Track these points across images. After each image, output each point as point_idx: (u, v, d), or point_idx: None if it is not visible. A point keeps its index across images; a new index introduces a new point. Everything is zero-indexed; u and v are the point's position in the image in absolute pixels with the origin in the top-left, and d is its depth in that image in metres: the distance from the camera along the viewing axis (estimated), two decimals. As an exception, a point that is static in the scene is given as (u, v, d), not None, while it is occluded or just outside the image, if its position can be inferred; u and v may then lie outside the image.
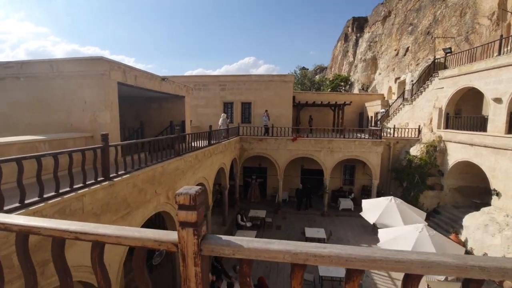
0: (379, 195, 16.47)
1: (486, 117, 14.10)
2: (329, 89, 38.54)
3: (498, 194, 11.95)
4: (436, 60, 18.12)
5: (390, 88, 26.26)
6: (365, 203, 12.56)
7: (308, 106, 23.13)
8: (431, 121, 16.63)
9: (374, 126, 21.22)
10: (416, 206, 13.25)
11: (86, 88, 7.27)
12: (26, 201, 3.42)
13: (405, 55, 23.58)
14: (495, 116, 12.42)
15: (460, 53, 16.39)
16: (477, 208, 13.41)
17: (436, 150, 15.34)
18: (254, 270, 10.49)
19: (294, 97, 21.02)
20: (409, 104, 18.97)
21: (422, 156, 15.46)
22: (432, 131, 16.40)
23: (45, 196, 3.65)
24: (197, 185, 9.80)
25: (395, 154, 17.33)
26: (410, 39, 23.30)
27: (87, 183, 4.37)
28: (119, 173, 5.18)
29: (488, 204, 12.69)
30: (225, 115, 15.47)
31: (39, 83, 7.50)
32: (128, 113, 11.77)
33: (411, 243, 8.43)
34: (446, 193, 15.36)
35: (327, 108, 24.59)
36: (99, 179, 4.64)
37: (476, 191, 15.02)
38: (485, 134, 12.68)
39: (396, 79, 24.69)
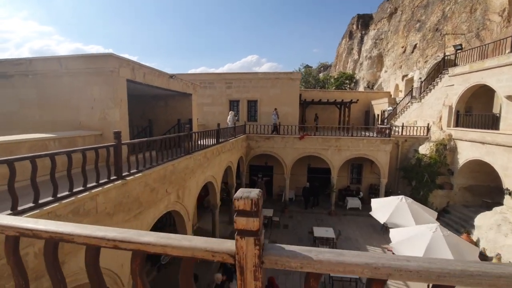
0: (387, 194, 16.26)
1: (497, 115, 13.83)
2: (334, 87, 38.23)
3: (511, 194, 11.70)
4: (446, 57, 17.79)
5: (397, 85, 25.93)
6: (375, 202, 12.36)
7: (313, 104, 22.92)
8: (440, 119, 16.36)
9: (381, 124, 20.95)
10: (426, 206, 13.03)
11: (95, 85, 7.15)
12: (40, 201, 3.31)
13: (412, 52, 23.23)
14: (508, 114, 12.15)
15: (471, 50, 16.07)
16: (488, 207, 13.18)
17: (446, 149, 15.07)
18: (267, 271, 10.36)
19: (300, 95, 20.81)
20: (418, 101, 18.68)
21: (432, 155, 15.21)
22: (441, 129, 16.13)
23: (59, 195, 3.54)
24: (206, 184, 9.69)
25: (403, 153, 17.08)
26: (417, 36, 22.94)
27: (100, 182, 4.26)
28: (132, 171, 5.06)
29: (500, 203, 12.45)
30: (233, 112, 15.32)
31: (47, 81, 7.40)
32: (134, 111, 11.67)
33: (424, 243, 8.25)
34: (456, 192, 15.11)
35: (332, 106, 24.36)
36: (112, 178, 4.53)
37: (487, 190, 14.77)
38: (498, 132, 12.40)
39: (404, 76, 24.35)
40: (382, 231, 14.02)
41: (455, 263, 0.92)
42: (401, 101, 21.03)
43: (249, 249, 0.97)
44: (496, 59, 12.78)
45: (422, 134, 17.05)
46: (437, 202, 15.08)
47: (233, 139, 13.12)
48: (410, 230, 9.32)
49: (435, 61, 19.48)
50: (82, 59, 7.14)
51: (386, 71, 30.55)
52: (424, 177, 15.08)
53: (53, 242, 1.20)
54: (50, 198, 3.43)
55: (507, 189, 11.84)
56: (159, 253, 1.07)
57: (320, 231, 12.30)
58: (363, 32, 41.87)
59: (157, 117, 12.12)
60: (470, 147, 13.87)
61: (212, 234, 11.58)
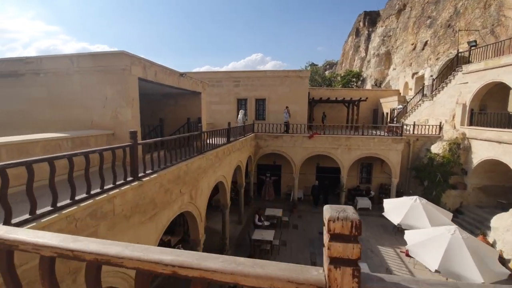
0: (398, 194, 15.99)
1: (514, 113, 13.45)
2: (340, 85, 37.81)
3: (529, 195, 11.35)
4: (459, 54, 17.36)
5: (406, 83, 25.48)
6: (387, 203, 12.10)
7: (321, 103, 22.63)
8: (453, 117, 15.97)
9: (391, 123, 20.60)
10: (438, 206, 12.74)
11: (106, 84, 7.03)
12: (58, 204, 3.17)
13: (423, 49, 22.76)
14: (526, 112, 11.77)
15: (485, 47, 15.64)
16: (503, 208, 12.83)
17: (460, 148, 14.71)
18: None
19: (308, 94, 20.53)
20: (429, 100, 18.28)
21: (445, 154, 14.87)
22: (454, 128, 15.76)
23: (76, 198, 3.40)
24: (217, 183, 9.54)
25: (414, 152, 16.74)
26: (428, 32, 22.46)
27: (116, 183, 4.12)
28: (147, 172, 4.92)
29: (517, 204, 12.10)
30: (243, 111, 15.17)
31: (58, 79, 7.30)
32: (144, 110, 11.54)
33: (443, 246, 7.99)
34: (469, 192, 14.77)
35: (340, 104, 24.05)
36: (128, 179, 4.39)
37: (502, 190, 14.40)
38: (516, 131, 12.04)
39: (414, 74, 23.89)
40: (393, 232, 13.76)
41: None
42: (411, 99, 20.62)
43: (345, 281, 0.79)
44: (514, 56, 12.40)
45: (434, 133, 16.69)
46: (450, 203, 14.75)
47: (242, 138, 12.96)
48: (427, 232, 9.06)
49: (448, 58, 19.03)
50: (93, 57, 7.02)
51: (394, 69, 30.06)
52: (437, 177, 14.76)
53: (96, 265, 1.03)
54: (68, 201, 3.29)
55: (525, 190, 11.50)
56: (229, 282, 0.89)
57: (331, 232, 12.07)
58: (370, 29, 41.31)
59: (166, 116, 11.98)
60: (486, 146, 13.50)
61: (222, 234, 11.45)
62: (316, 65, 55.60)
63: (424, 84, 20.64)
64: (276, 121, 17.41)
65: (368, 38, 41.10)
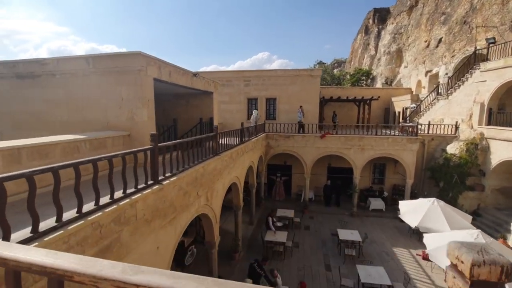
0: (412, 195, 15.64)
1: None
2: (350, 84, 37.30)
3: (553, 197, 10.91)
4: (477, 51, 16.83)
5: (419, 81, 24.92)
6: (403, 204, 11.81)
7: (332, 102, 22.31)
8: (470, 116, 15.51)
9: (404, 122, 20.17)
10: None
11: (123, 85, 6.98)
12: (84, 210, 3.09)
13: (437, 46, 22.18)
14: (550, 111, 11.31)
15: (504, 44, 15.11)
16: (524, 211, 12.41)
17: (478, 148, 14.27)
18: (291, 274, 10.02)
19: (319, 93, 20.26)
20: (445, 98, 17.80)
21: (462, 154, 14.45)
22: (472, 127, 15.30)
23: (101, 204, 3.32)
24: (231, 184, 9.43)
25: (429, 152, 16.33)
26: (443, 29, 21.88)
27: (138, 187, 4.04)
28: (166, 175, 4.84)
29: (539, 207, 11.66)
30: (257, 111, 15.05)
31: (75, 80, 7.29)
32: (156, 111, 11.55)
33: (465, 250, 7.72)
34: (487, 194, 14.32)
35: (350, 103, 23.69)
36: (149, 182, 4.30)
37: (522, 192, 13.93)
38: (538, 131, 11.59)
39: (427, 72, 23.33)
40: (409, 234, 13.45)
41: None
42: (425, 98, 20.12)
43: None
44: (536, 53, 11.92)
45: (449, 132, 16.25)
46: (467, 205, 14.33)
47: (254, 138, 12.83)
48: (447, 235, 8.77)
49: (464, 56, 18.50)
50: (109, 58, 6.98)
51: (406, 67, 29.47)
52: (453, 178, 14.36)
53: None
54: (93, 207, 3.21)
55: (548, 192, 11.07)
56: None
57: (345, 234, 11.87)
58: (380, 26, 40.66)
59: (179, 116, 11.93)
60: (506, 146, 13.04)
61: (235, 235, 11.36)
62: (324, 63, 55.09)
63: (438, 82, 20.14)
64: (287, 121, 17.21)
65: (378, 36, 40.46)
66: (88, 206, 3.21)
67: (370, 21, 43.78)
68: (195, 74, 9.81)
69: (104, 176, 3.65)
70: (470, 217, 10.96)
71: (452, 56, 19.99)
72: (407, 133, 15.71)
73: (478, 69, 15.31)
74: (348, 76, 41.46)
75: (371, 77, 38.54)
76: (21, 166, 4.49)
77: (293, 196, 18.78)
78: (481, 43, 17.40)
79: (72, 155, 5.45)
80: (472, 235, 8.09)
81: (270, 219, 11.95)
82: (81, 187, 3.11)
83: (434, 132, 16.51)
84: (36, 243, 2.47)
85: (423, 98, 20.67)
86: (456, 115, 16.69)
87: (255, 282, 8.45)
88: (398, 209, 14.90)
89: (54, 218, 2.81)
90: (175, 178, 4.96)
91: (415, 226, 10.36)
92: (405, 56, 29.88)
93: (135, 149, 3.97)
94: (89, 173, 3.71)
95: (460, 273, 0.65)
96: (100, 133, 6.41)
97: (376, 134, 15.42)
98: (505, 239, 11.41)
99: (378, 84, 35.36)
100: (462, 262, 0.65)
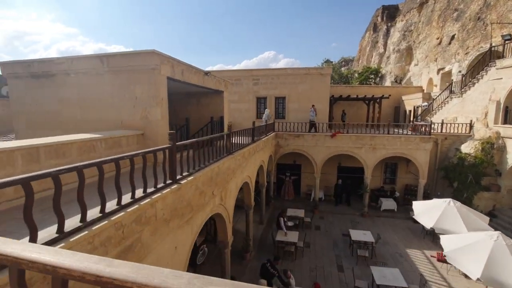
0: (425, 195, 15.34)
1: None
2: (358, 82, 36.87)
3: None
4: (492, 48, 16.39)
5: (430, 79, 24.44)
6: (417, 205, 11.57)
7: (341, 100, 22.04)
8: (486, 115, 15.12)
9: (415, 121, 19.80)
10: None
11: (136, 84, 6.96)
12: (107, 210, 3.04)
13: (450, 43, 21.70)
14: None
15: (522, 40, 14.68)
16: (542, 212, 12.03)
17: (494, 148, 13.90)
18: (303, 275, 9.90)
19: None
20: (458, 96, 17.40)
21: (477, 154, 14.09)
22: (487, 126, 14.91)
23: (123, 203, 3.27)
24: (243, 184, 9.36)
25: (443, 152, 15.99)
26: (455, 26, 21.39)
27: (158, 187, 3.98)
28: (184, 174, 4.77)
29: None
30: (269, 110, 14.98)
31: (89, 79, 7.29)
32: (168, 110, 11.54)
33: (485, 253, 7.49)
34: (503, 194, 13.94)
35: (359, 102, 23.37)
36: (167, 182, 4.24)
37: (540, 193, 13.52)
38: (559, 130, 11.21)
39: (439, 70, 22.86)
40: (422, 235, 13.18)
41: None
42: (437, 96, 19.71)
43: None
44: (557, 49, 11.52)
45: (463, 131, 15.88)
46: (482, 205, 13.98)
47: (265, 138, 12.73)
48: (466, 237, 8.55)
49: (478, 53, 18.05)
50: (124, 57, 6.95)
51: (416, 65, 28.96)
52: (468, 178, 14.01)
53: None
54: (115, 207, 3.16)
55: None
56: None
57: (357, 234, 11.69)
58: (389, 24, 40.08)
59: (189, 115, 11.91)
60: (524, 146, 12.68)
61: (246, 235, 11.29)
62: (332, 62, 54.58)
63: (452, 80, 19.71)
64: (296, 120, 17.06)
65: (387, 33, 39.88)
66: (108, 206, 3.15)
67: (379, 18, 43.20)
68: (206, 73, 9.75)
69: (122, 175, 3.59)
70: (487, 218, 10.68)
71: (466, 53, 19.52)
72: (419, 132, 15.40)
73: (494, 66, 14.91)
74: (356, 75, 40.99)
75: (379, 75, 38.02)
76: (39, 165, 4.48)
77: (302, 196, 18.63)
78: (496, 40, 16.95)
79: (88, 154, 5.43)
80: (492, 236, 7.85)
81: (282, 219, 11.84)
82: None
83: (448, 131, 16.15)
84: (63, 244, 2.41)
85: (435, 97, 20.25)
86: (470, 113, 16.30)
87: (268, 282, 8.36)
88: (410, 210, 14.64)
89: (72, 218, 2.77)
90: (192, 177, 4.90)
91: (431, 227, 10.12)
92: (416, 54, 29.36)
93: (155, 148, 3.91)
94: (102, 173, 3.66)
95: None
96: (115, 132, 6.39)
97: (388, 133, 15.14)
98: (523, 241, 11.05)
99: (387, 83, 34.87)
100: None
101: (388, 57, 37.04)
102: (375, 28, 44.39)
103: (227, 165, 7.04)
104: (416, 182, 15.96)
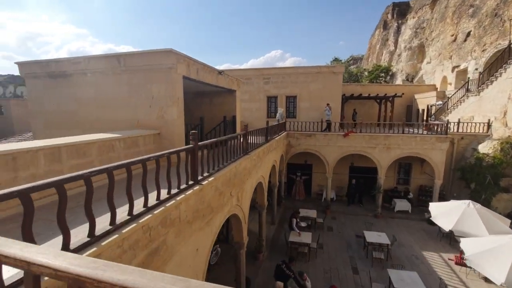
0: (440, 196, 14.98)
1: None
2: (368, 81, 36.33)
3: None
4: (511, 45, 15.86)
5: (444, 77, 23.85)
6: (434, 206, 11.28)
7: (353, 99, 21.71)
8: (505, 114, 14.64)
9: (429, 120, 19.35)
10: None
11: (153, 83, 6.92)
12: (134, 212, 2.98)
13: (465, 40, 21.12)
14: None
15: (544, 36, 14.14)
16: None
17: (514, 148, 13.46)
18: (317, 277, 9.75)
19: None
20: (475, 95, 16.91)
21: (496, 154, 13.67)
22: (506, 125, 14.45)
23: (149, 205, 3.20)
24: (257, 184, 9.26)
25: (459, 152, 15.58)
26: (471, 22, 20.79)
27: (181, 188, 3.91)
28: (204, 175, 4.70)
29: None
30: (282, 109, 14.85)
31: (105, 78, 7.29)
32: (180, 109, 11.51)
33: (509, 257, 7.22)
34: (523, 196, 13.49)
35: (371, 101, 22.96)
36: (189, 183, 4.17)
37: None
38: None
39: (454, 67, 22.28)
40: (439, 238, 12.86)
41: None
42: (453, 94, 19.21)
43: None
44: None
45: (481, 131, 15.43)
46: (501, 207, 13.54)
47: (278, 137, 12.60)
48: (487, 240, 8.27)
49: (496, 50, 17.50)
50: (140, 56, 6.92)
51: (429, 62, 28.32)
52: (486, 179, 13.60)
53: None
54: (142, 209, 3.09)
55: None
56: None
57: (372, 236, 11.47)
58: (400, 21, 39.35)
59: (203, 115, 11.87)
60: (546, 146, 12.22)
61: (259, 236, 11.20)
62: (340, 60, 53.94)
63: (468, 78, 19.17)
64: (307, 119, 16.86)
65: (398, 31, 39.16)
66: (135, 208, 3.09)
67: (389, 15, 42.46)
68: (220, 72, 9.68)
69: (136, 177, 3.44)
70: (509, 221, 10.32)
71: (483, 51, 18.96)
72: (434, 132, 15.03)
73: (514, 63, 14.42)
74: (366, 73, 40.41)
75: (390, 73, 37.38)
76: (61, 165, 4.47)
77: (313, 196, 18.44)
78: (516, 36, 16.39)
79: (108, 154, 5.42)
80: (517, 240, 7.56)
81: (294, 220, 11.71)
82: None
83: (464, 130, 15.73)
84: (95, 248, 2.35)
85: (450, 95, 19.75)
86: (488, 112, 15.82)
87: (284, 284, 8.24)
88: (425, 211, 14.34)
89: (97, 220, 2.71)
90: (212, 178, 4.82)
91: (449, 230, 9.84)
92: (428, 51, 28.72)
93: (179, 149, 3.84)
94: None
95: None
96: (132, 132, 6.37)
97: (402, 133, 14.82)
98: (546, 244, 10.65)
99: (398, 81, 34.25)
100: None
101: (399, 55, 36.38)
102: (385, 25, 43.65)
103: (243, 165, 6.94)
104: (430, 183, 15.60)
